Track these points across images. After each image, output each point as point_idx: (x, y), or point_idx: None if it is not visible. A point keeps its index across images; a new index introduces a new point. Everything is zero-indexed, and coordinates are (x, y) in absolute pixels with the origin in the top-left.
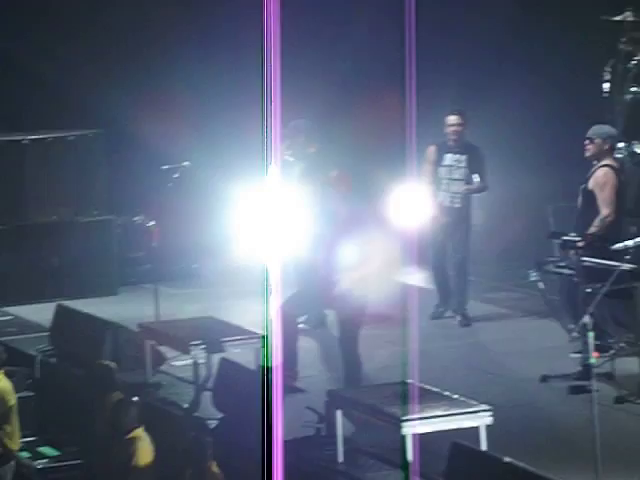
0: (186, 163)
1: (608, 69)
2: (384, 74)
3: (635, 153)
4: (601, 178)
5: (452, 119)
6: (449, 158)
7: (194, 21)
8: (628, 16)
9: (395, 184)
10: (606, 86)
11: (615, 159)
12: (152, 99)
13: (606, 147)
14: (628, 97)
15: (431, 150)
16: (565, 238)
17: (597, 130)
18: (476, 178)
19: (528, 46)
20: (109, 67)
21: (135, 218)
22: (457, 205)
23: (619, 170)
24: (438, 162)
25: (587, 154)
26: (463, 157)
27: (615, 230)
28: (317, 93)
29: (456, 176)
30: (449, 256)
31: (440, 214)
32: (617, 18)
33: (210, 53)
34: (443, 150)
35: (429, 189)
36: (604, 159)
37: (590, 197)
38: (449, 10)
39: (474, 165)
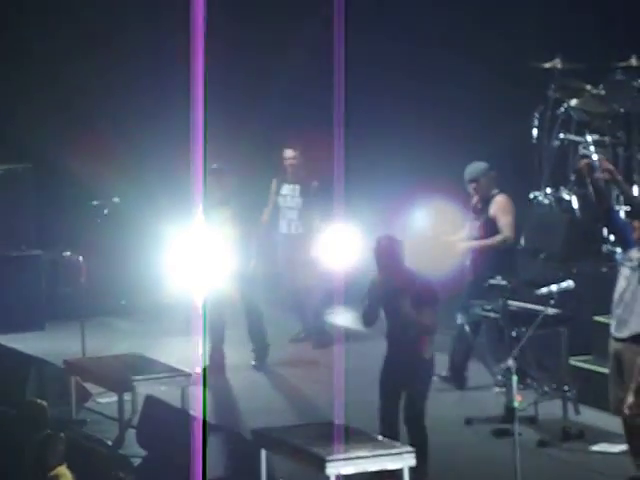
0: (116, 199)
1: (537, 115)
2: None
3: (562, 199)
4: (503, 203)
5: (287, 153)
6: (285, 188)
7: (124, 61)
8: (557, 63)
9: (324, 225)
10: (534, 132)
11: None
12: (82, 134)
13: (490, 181)
14: (556, 143)
15: (273, 182)
16: (491, 282)
17: (477, 170)
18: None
19: (457, 90)
20: (38, 100)
21: (63, 253)
22: (294, 232)
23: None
24: (277, 192)
25: (480, 193)
26: (297, 187)
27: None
28: (242, 138)
29: (291, 205)
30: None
31: (282, 242)
32: (546, 65)
33: (139, 91)
34: (281, 181)
35: (269, 217)
36: (493, 190)
37: (491, 224)
38: (377, 55)
39: (306, 195)
